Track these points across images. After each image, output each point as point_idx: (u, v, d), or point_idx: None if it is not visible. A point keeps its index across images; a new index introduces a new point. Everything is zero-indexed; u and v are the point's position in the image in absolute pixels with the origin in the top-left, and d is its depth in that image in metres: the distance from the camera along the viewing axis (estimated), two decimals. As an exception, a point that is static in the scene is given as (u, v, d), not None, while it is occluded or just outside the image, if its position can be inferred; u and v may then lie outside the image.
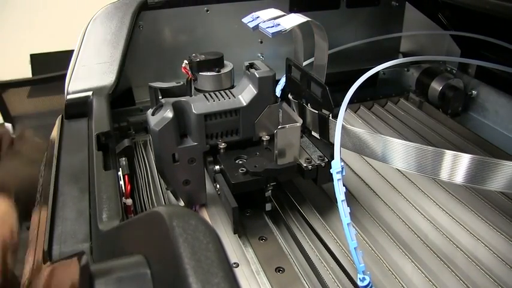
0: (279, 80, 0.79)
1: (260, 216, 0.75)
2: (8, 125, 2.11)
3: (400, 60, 0.74)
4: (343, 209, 0.56)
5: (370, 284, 0.55)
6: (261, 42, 1.08)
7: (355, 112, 1.06)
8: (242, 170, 0.67)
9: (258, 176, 0.67)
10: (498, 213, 0.73)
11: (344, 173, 0.60)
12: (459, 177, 0.54)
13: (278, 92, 0.80)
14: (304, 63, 0.76)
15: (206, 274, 0.31)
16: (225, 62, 0.76)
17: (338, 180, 0.59)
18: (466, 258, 0.66)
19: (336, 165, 0.59)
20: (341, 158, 0.60)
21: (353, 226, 0.57)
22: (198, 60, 0.74)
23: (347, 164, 0.87)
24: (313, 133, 0.73)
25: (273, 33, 0.62)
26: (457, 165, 0.54)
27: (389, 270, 0.64)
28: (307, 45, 0.73)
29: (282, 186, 0.78)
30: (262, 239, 0.70)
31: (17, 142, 0.95)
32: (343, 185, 0.58)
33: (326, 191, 0.79)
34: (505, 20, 0.78)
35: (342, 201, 0.57)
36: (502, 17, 0.62)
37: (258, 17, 0.67)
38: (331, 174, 0.60)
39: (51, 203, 0.59)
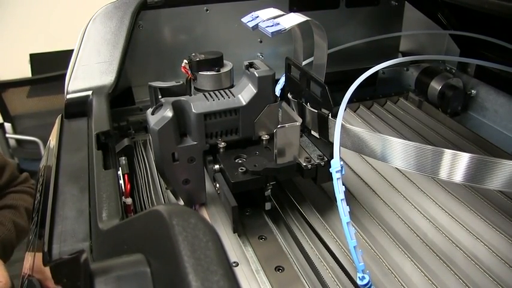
0: (278, 80, 0.79)
1: (260, 215, 0.75)
2: (8, 125, 2.11)
3: (399, 59, 0.74)
4: (343, 208, 0.56)
5: (370, 283, 0.55)
6: (261, 41, 1.08)
7: (354, 111, 1.06)
8: (242, 169, 0.67)
9: (258, 175, 0.67)
10: (497, 212, 0.74)
11: (344, 172, 0.60)
12: (458, 176, 0.54)
13: (278, 92, 0.80)
14: (304, 63, 0.76)
15: (206, 272, 0.31)
16: (224, 61, 0.76)
17: (337, 179, 0.59)
18: (466, 257, 0.66)
19: (335, 164, 0.60)
20: (340, 157, 0.60)
21: (352, 225, 0.57)
22: (197, 59, 0.74)
23: (346, 163, 0.87)
24: (313, 132, 0.73)
25: (272, 32, 0.62)
26: (456, 164, 0.54)
27: (389, 269, 0.64)
28: (306, 44, 0.73)
29: (281, 185, 0.78)
30: (261, 238, 0.70)
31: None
32: (343, 184, 0.58)
33: (325, 190, 0.79)
34: (504, 19, 0.78)
35: (342, 200, 0.57)
36: (501, 16, 0.63)
37: (257, 17, 0.67)
38: (331, 173, 0.60)
39: (51, 202, 0.59)
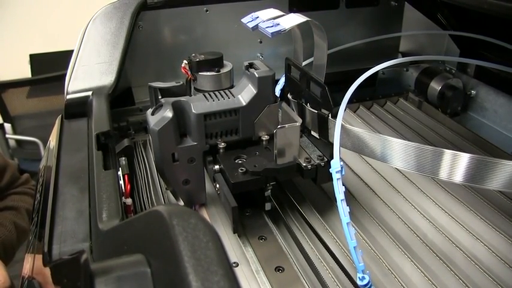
0: (278, 80, 0.79)
1: (260, 215, 0.75)
2: (8, 125, 2.11)
3: (399, 60, 0.74)
4: (343, 208, 0.56)
5: (370, 283, 0.55)
6: (261, 42, 1.08)
7: (354, 112, 1.06)
8: (242, 169, 0.67)
9: (258, 175, 0.67)
10: (497, 213, 0.74)
11: (344, 173, 0.60)
12: (458, 177, 0.54)
13: (277, 92, 0.80)
14: (304, 63, 0.76)
15: (206, 272, 0.31)
16: (224, 62, 0.77)
17: (337, 179, 0.59)
18: (465, 257, 0.66)
19: (335, 165, 0.60)
20: (340, 158, 0.60)
21: (352, 225, 0.57)
22: (197, 60, 0.74)
23: (346, 164, 0.87)
24: (313, 133, 0.73)
25: (272, 33, 0.62)
26: (456, 164, 0.54)
27: (389, 269, 0.64)
28: (306, 45, 0.73)
29: (281, 185, 0.78)
30: (261, 239, 0.70)
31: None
32: (343, 185, 0.58)
33: (325, 190, 0.79)
34: (504, 19, 0.78)
35: (342, 200, 0.57)
36: (501, 16, 0.63)
37: (257, 17, 0.67)
38: (331, 173, 0.60)
39: (51, 202, 0.59)
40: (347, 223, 0.56)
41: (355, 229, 0.68)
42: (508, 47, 0.87)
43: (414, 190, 0.80)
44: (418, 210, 0.75)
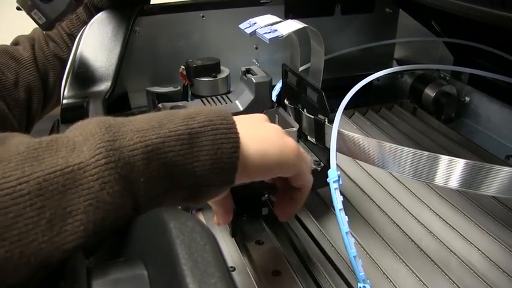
0: (275, 86, 0.80)
1: (257, 220, 0.75)
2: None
3: (395, 68, 0.76)
4: (341, 217, 0.56)
5: (369, 292, 0.55)
6: (256, 48, 1.09)
7: (349, 118, 1.07)
8: (238, 174, 0.67)
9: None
10: (491, 218, 0.74)
11: (341, 182, 0.60)
12: (454, 182, 0.55)
13: (274, 97, 0.81)
14: (301, 69, 0.76)
15: (203, 275, 0.31)
16: (221, 67, 0.77)
17: (335, 189, 0.59)
18: (460, 262, 0.66)
19: (332, 174, 0.60)
20: (338, 166, 0.60)
21: (352, 235, 0.57)
22: (194, 65, 0.74)
23: (341, 169, 0.87)
24: (309, 138, 0.73)
25: (270, 38, 0.63)
26: (452, 170, 0.55)
27: (384, 274, 0.64)
28: (303, 51, 0.73)
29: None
30: (258, 243, 0.70)
31: None
32: (340, 194, 0.58)
33: (322, 195, 0.79)
34: (497, 27, 0.79)
35: (340, 210, 0.57)
36: (493, 24, 0.64)
37: (255, 23, 0.67)
38: (327, 179, 0.60)
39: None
40: (346, 232, 0.56)
41: (355, 238, 0.68)
42: (501, 54, 0.88)
43: (409, 196, 0.80)
44: (413, 216, 0.75)
